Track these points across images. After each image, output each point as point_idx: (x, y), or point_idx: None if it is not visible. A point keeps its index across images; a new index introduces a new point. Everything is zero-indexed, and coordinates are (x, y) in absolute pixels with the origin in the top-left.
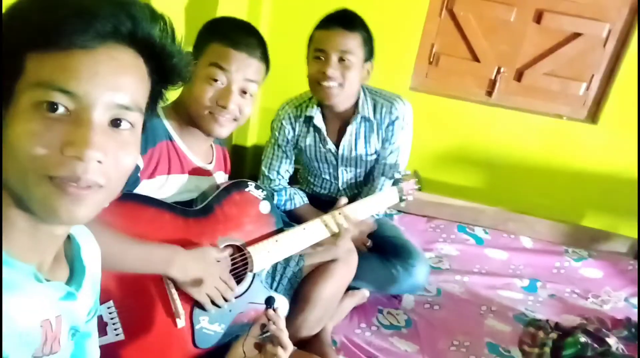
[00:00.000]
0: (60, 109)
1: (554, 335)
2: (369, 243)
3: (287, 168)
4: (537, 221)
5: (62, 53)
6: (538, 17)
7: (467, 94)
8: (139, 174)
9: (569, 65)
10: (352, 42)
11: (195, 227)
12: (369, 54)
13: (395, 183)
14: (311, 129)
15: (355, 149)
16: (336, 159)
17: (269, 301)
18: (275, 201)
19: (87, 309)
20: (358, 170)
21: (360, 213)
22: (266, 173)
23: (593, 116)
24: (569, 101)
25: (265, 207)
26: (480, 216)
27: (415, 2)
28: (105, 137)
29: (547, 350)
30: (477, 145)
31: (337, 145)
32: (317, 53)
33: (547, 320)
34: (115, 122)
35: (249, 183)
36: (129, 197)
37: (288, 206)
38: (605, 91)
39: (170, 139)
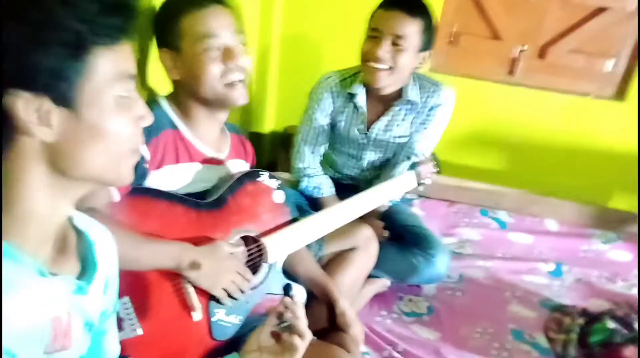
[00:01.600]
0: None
1: (581, 320)
2: (386, 233)
3: (322, 142)
4: (562, 203)
5: (117, 46)
6: None
7: (488, 74)
8: (146, 165)
9: (594, 41)
10: (410, 28)
11: (209, 219)
12: (427, 44)
13: (413, 166)
14: (351, 105)
15: (389, 132)
16: (366, 140)
17: (287, 289)
18: (303, 186)
19: (99, 305)
20: (385, 153)
21: (378, 199)
22: (301, 146)
23: (620, 93)
24: (595, 78)
25: (279, 197)
26: (503, 199)
27: None
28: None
29: (574, 336)
30: (499, 126)
31: (369, 127)
32: (372, 32)
33: (573, 306)
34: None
35: (261, 172)
36: (139, 191)
37: (315, 194)
38: (633, 67)
39: (175, 128)
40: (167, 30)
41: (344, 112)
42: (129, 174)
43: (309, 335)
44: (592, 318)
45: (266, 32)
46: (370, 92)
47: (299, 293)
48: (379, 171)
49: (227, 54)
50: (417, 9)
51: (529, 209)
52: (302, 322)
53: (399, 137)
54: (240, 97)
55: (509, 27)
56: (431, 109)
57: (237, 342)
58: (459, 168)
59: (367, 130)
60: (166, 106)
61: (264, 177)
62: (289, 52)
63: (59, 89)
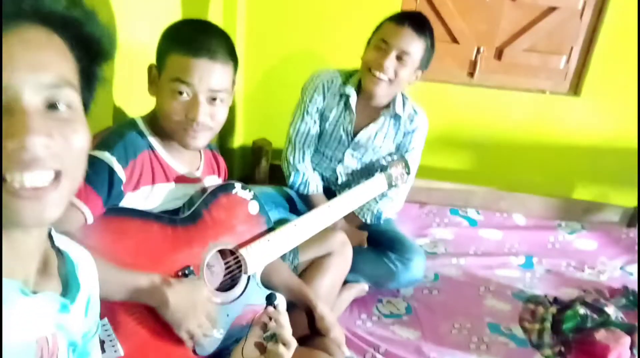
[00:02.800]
0: None
1: (553, 309)
2: (365, 244)
3: (313, 138)
4: (528, 197)
5: None
6: None
7: (449, 77)
8: (122, 188)
9: (548, 39)
10: (416, 46)
11: (185, 235)
12: (425, 64)
13: (383, 169)
14: (341, 105)
15: (373, 140)
16: (349, 142)
17: (270, 299)
18: (291, 181)
19: (82, 326)
20: (361, 159)
21: (351, 203)
22: (294, 142)
23: (575, 88)
24: (551, 75)
25: (253, 208)
26: (471, 197)
27: None
28: (45, 120)
29: (548, 324)
30: (463, 127)
31: (356, 132)
32: (380, 43)
33: (545, 295)
34: (52, 106)
35: (235, 184)
36: (113, 212)
37: (301, 190)
38: (586, 63)
39: (152, 148)
40: (159, 51)
41: (333, 110)
42: (14, 213)
43: (294, 344)
44: (563, 306)
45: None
46: (361, 97)
47: (280, 303)
48: (351, 178)
49: (190, 108)
50: (426, 29)
51: (497, 206)
52: (287, 331)
53: (380, 148)
54: (193, 142)
55: (466, 30)
56: (409, 133)
57: (219, 355)
58: (428, 170)
59: (354, 133)
60: (142, 127)
61: (238, 189)
62: (254, 67)
63: None
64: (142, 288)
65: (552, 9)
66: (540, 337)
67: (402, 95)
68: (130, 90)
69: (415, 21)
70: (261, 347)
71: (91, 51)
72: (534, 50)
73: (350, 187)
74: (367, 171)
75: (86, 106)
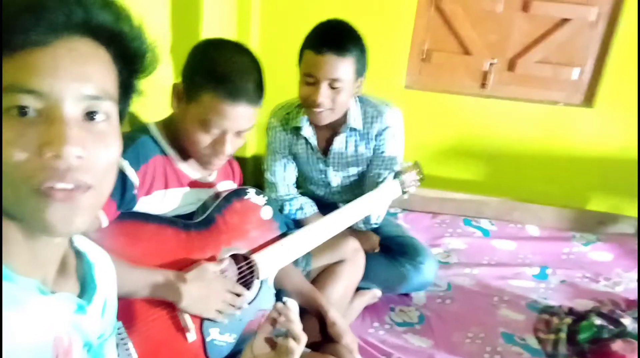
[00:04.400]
0: (31, 112)
1: (568, 320)
2: (378, 248)
3: (291, 171)
4: (541, 208)
5: (20, 54)
6: (525, 6)
7: (461, 88)
8: (135, 192)
9: (560, 51)
10: (344, 68)
11: (198, 240)
12: (362, 70)
13: (397, 175)
14: (301, 137)
15: (345, 156)
16: (326, 166)
17: (277, 295)
18: (286, 211)
19: (98, 327)
20: (348, 174)
21: (365, 209)
22: (272, 180)
23: (589, 99)
24: (564, 86)
25: (267, 213)
26: (484, 208)
27: (404, 2)
28: (82, 131)
29: (563, 335)
30: (475, 138)
31: (325, 153)
32: (307, 78)
33: (560, 306)
34: (90, 116)
35: (248, 189)
36: (127, 216)
37: (299, 216)
38: (599, 74)
39: (164, 154)
40: (191, 78)
41: (297, 145)
42: (45, 221)
43: (304, 338)
44: (578, 317)
45: None
46: (314, 126)
47: (292, 303)
48: (353, 190)
49: (218, 143)
50: (348, 45)
51: (510, 216)
52: (297, 326)
53: (356, 154)
54: (213, 168)
55: (478, 41)
56: (378, 134)
57: None
58: (441, 180)
59: (325, 156)
60: (156, 133)
61: (251, 194)
62: (268, 76)
63: None
64: (158, 284)
65: (565, 21)
66: (555, 348)
67: (360, 103)
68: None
69: (334, 43)
70: (271, 343)
71: (134, 65)
72: (547, 62)
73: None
74: (360, 183)
75: (121, 117)
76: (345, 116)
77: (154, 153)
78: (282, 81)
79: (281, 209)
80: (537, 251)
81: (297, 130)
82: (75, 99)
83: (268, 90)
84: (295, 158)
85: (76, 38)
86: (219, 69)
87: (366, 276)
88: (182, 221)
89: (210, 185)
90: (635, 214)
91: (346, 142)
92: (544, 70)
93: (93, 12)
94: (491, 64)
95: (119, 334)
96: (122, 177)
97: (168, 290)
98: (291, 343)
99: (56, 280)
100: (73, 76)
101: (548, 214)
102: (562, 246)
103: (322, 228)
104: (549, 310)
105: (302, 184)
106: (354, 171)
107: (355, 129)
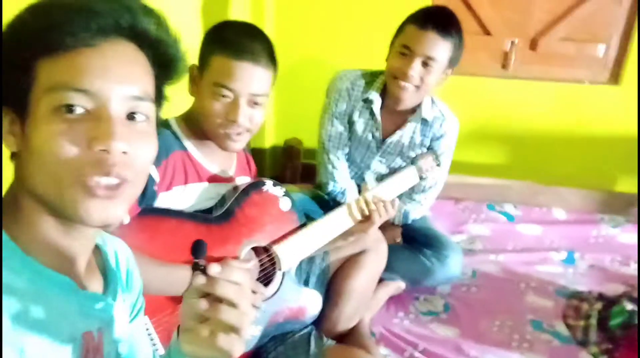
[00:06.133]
0: (79, 109)
1: (598, 305)
2: (399, 239)
3: (345, 141)
4: (568, 191)
5: (69, 54)
6: None
7: (482, 70)
8: (155, 188)
9: (584, 27)
10: (442, 49)
11: (219, 233)
12: (455, 61)
13: (413, 161)
14: (366, 110)
15: (399, 146)
16: (377, 148)
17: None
18: (330, 188)
19: (125, 321)
20: (390, 164)
21: (383, 196)
22: (327, 144)
23: (615, 77)
24: (589, 64)
25: (285, 204)
26: (508, 192)
27: None
28: (126, 129)
29: (594, 321)
30: (498, 120)
31: (385, 137)
32: (403, 49)
33: (589, 291)
34: (132, 116)
35: (266, 181)
36: (148, 211)
37: (339, 198)
38: (625, 50)
39: (184, 149)
40: (202, 51)
41: (358, 116)
42: (84, 210)
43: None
44: (609, 302)
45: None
46: (387, 102)
47: (315, 300)
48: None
49: (231, 110)
50: (451, 28)
51: (535, 200)
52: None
53: (410, 146)
54: (232, 145)
55: (498, 21)
56: (436, 139)
57: (257, 353)
58: (463, 165)
59: (382, 140)
60: (175, 127)
61: (269, 186)
62: (285, 66)
63: (13, 98)
64: (179, 278)
65: None
66: (585, 334)
67: (431, 98)
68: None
69: (439, 22)
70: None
71: (168, 71)
72: (571, 39)
73: None
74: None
75: (159, 118)
76: (415, 109)
77: (174, 148)
78: (303, 75)
79: (326, 186)
80: (564, 236)
81: (365, 103)
82: (120, 99)
83: (291, 85)
84: (350, 126)
85: (122, 41)
86: (225, 32)
87: (390, 268)
88: (202, 216)
89: (229, 180)
90: None
91: (412, 133)
92: (568, 48)
93: (138, 18)
94: (512, 44)
95: (147, 329)
96: None
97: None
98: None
99: (85, 277)
100: (119, 77)
101: (574, 196)
102: (590, 229)
103: (341, 217)
104: (578, 296)
105: None
106: (398, 162)
107: (423, 122)
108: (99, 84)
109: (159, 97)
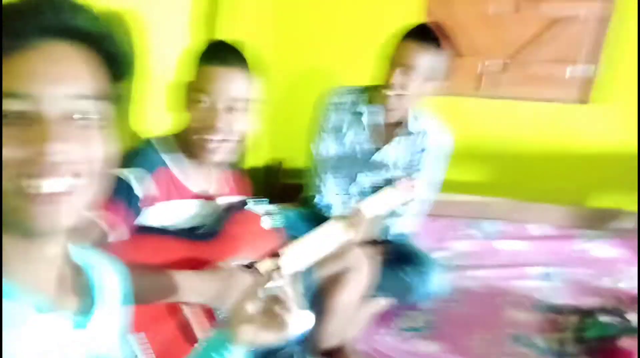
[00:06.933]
0: (12, 114)
1: (574, 318)
2: (379, 255)
3: (334, 155)
4: (543, 207)
5: None
6: (519, 7)
7: (459, 90)
8: (140, 205)
9: (554, 49)
10: (420, 59)
11: (203, 252)
12: (438, 72)
13: (392, 184)
14: (356, 124)
15: (389, 160)
16: (365, 162)
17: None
18: (316, 201)
19: (103, 339)
20: (376, 179)
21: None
22: (316, 160)
23: (584, 96)
24: (558, 84)
25: (267, 222)
26: (487, 209)
27: (409, 8)
28: (63, 128)
29: (570, 334)
30: (475, 139)
31: (371, 152)
32: (386, 61)
33: (565, 305)
34: (73, 114)
35: (248, 200)
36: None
37: (324, 211)
38: (593, 71)
39: (167, 166)
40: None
41: (351, 130)
42: (29, 217)
43: (295, 313)
44: (584, 315)
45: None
46: (375, 115)
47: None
48: (361, 198)
49: (209, 116)
50: (430, 39)
51: (512, 217)
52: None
53: (392, 167)
54: (209, 156)
55: (472, 43)
56: (418, 152)
57: None
58: (442, 183)
59: (371, 153)
60: (158, 146)
61: (250, 205)
62: (273, 86)
63: None
64: (180, 285)
65: (557, 20)
66: (562, 346)
67: (417, 113)
68: (148, 110)
69: (419, 34)
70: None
71: (116, 67)
72: (541, 60)
73: None
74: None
75: (113, 116)
76: (405, 120)
77: (157, 166)
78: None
79: (313, 198)
80: (541, 251)
81: (354, 116)
82: (53, 100)
83: (284, 106)
84: (341, 140)
85: (50, 42)
86: (205, 47)
87: (372, 286)
88: (186, 234)
89: (211, 198)
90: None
91: (399, 147)
92: (538, 68)
93: (64, 17)
94: (485, 66)
95: (142, 344)
96: (128, 190)
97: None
98: (284, 313)
99: (54, 296)
100: (52, 79)
101: (550, 212)
102: (566, 244)
103: (323, 237)
104: (555, 309)
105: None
106: (384, 175)
107: (409, 134)
108: (29, 87)
109: (112, 95)
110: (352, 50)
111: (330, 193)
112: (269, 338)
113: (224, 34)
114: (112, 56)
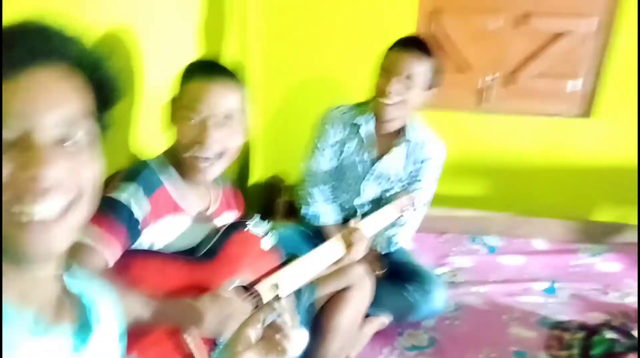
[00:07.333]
0: (4, 143)
1: (580, 335)
2: (380, 272)
3: (326, 172)
4: (547, 221)
5: None
6: (519, 22)
7: (461, 105)
8: (139, 228)
9: (557, 64)
10: (417, 67)
11: (201, 274)
12: (433, 83)
13: (391, 200)
14: (356, 136)
15: (390, 170)
16: (367, 173)
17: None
18: (302, 212)
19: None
20: (381, 190)
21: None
22: (305, 176)
23: (586, 110)
24: (561, 99)
25: (266, 244)
26: (489, 224)
27: (402, 22)
28: (56, 153)
29: (576, 351)
30: (476, 154)
31: (372, 163)
32: (383, 71)
33: (571, 321)
34: (63, 139)
35: (247, 222)
36: (130, 252)
37: (312, 221)
38: (595, 85)
39: (165, 187)
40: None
41: (349, 143)
42: (23, 244)
43: (294, 341)
44: (591, 332)
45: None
46: (374, 126)
47: (302, 337)
48: (368, 210)
49: (199, 132)
50: (425, 50)
51: (515, 231)
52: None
53: (394, 177)
54: (200, 175)
55: (474, 58)
56: (418, 162)
57: None
58: (444, 198)
59: (372, 164)
60: (155, 167)
61: (250, 226)
62: (268, 103)
63: None
64: (174, 310)
65: (560, 35)
66: None
67: (415, 123)
68: (145, 132)
69: (412, 44)
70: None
71: (104, 91)
72: (544, 75)
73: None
74: (384, 202)
75: (99, 139)
76: (403, 129)
77: (156, 187)
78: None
79: (300, 209)
80: (545, 265)
81: (352, 128)
82: (45, 125)
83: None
84: (340, 155)
85: (42, 68)
86: (190, 66)
87: (374, 304)
88: (184, 256)
89: (210, 218)
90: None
91: (399, 156)
92: (542, 83)
93: (53, 44)
94: (488, 81)
95: None
96: (129, 214)
97: (185, 314)
98: (283, 340)
99: (51, 318)
100: (41, 104)
101: (553, 227)
102: (570, 258)
103: (322, 255)
104: (560, 326)
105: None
106: (385, 188)
107: (409, 144)
108: (19, 113)
109: (101, 119)
110: (347, 63)
111: (319, 205)
112: None
113: (220, 51)
114: (101, 82)
